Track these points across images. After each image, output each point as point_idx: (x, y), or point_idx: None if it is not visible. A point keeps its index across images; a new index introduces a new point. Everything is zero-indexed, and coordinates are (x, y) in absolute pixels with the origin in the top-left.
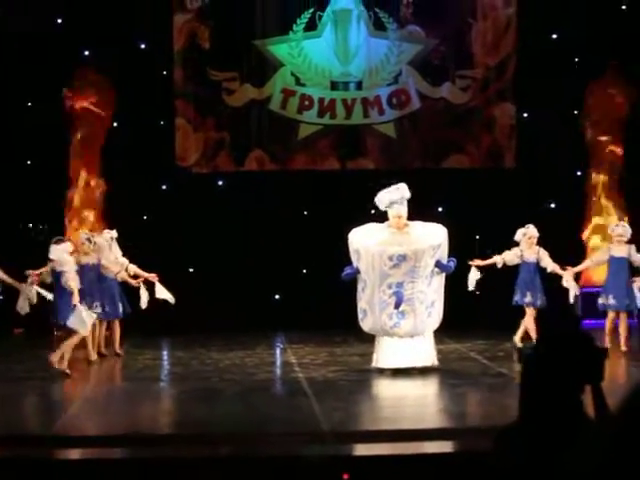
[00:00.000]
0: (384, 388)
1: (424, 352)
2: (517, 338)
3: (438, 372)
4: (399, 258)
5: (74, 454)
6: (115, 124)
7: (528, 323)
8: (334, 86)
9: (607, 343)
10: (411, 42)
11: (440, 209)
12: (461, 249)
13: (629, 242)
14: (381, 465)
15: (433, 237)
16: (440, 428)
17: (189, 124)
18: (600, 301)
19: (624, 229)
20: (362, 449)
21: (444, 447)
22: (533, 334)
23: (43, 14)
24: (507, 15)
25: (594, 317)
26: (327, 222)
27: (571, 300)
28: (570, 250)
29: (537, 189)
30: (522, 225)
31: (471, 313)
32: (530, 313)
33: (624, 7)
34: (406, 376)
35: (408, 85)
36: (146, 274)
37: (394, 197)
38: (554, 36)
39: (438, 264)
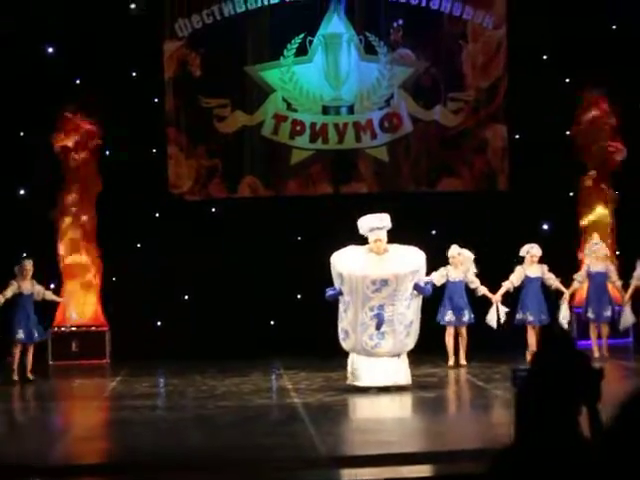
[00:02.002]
0: (381, 412)
1: (401, 372)
2: (453, 360)
3: (434, 395)
4: (381, 283)
5: None
6: (107, 152)
7: (447, 341)
8: (326, 111)
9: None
10: (402, 65)
11: (434, 232)
12: None
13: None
14: None
15: (412, 263)
16: (437, 451)
17: (181, 152)
18: (518, 317)
19: (537, 250)
20: (360, 473)
21: (442, 470)
22: (451, 352)
23: (35, 43)
24: (498, 37)
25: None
26: (321, 247)
27: (493, 324)
28: (566, 270)
29: (531, 210)
30: (517, 246)
31: (468, 335)
32: (450, 332)
33: (614, 27)
34: (403, 400)
35: (400, 108)
36: (58, 299)
37: (374, 223)
38: (544, 57)
39: (416, 287)
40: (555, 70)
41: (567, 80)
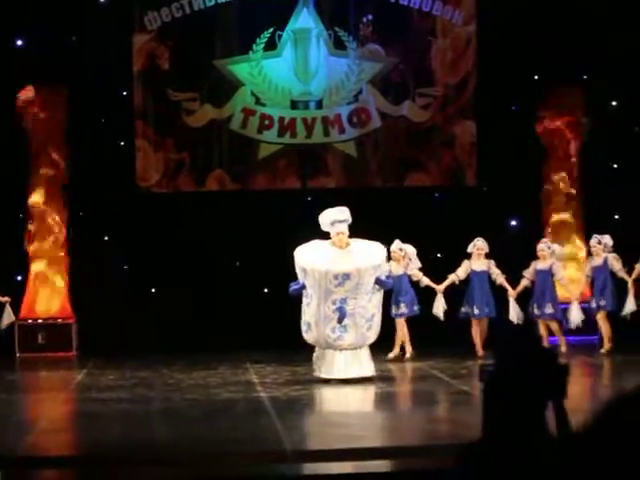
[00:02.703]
0: (347, 406)
1: (363, 364)
2: (395, 352)
3: (402, 390)
4: (343, 277)
5: (36, 476)
6: (74, 145)
7: (400, 334)
8: (294, 105)
9: (480, 349)
10: (371, 60)
11: (401, 227)
12: (423, 268)
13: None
14: None
15: (374, 257)
16: (403, 446)
17: (149, 145)
18: (463, 310)
19: (483, 243)
20: (325, 468)
21: (408, 465)
22: (406, 343)
23: (3, 35)
24: (467, 33)
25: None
26: (288, 241)
27: (439, 315)
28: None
29: (498, 206)
30: (485, 241)
31: (435, 331)
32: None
33: (583, 23)
34: (370, 394)
35: (368, 103)
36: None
37: (337, 216)
38: (513, 54)
39: (378, 281)
40: (524, 67)
41: (536, 77)
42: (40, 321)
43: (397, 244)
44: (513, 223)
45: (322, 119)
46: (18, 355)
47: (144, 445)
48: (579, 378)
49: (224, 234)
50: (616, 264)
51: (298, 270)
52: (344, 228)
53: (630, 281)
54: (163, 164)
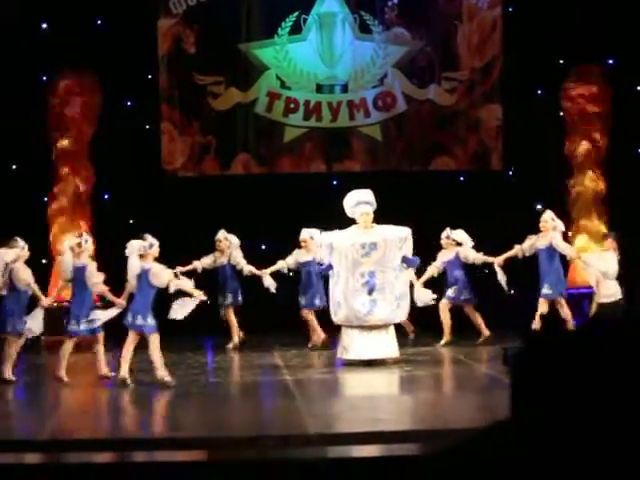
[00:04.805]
0: (372, 390)
1: (389, 345)
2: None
3: (427, 374)
4: (370, 246)
5: (64, 458)
6: (101, 128)
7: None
8: (320, 89)
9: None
10: (396, 44)
11: (427, 211)
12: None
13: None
14: (369, 467)
15: (399, 230)
16: (428, 430)
17: (175, 128)
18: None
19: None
20: (350, 451)
21: (432, 449)
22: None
23: (28, 19)
24: (493, 17)
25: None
26: (313, 224)
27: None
28: None
29: (524, 190)
30: (511, 225)
31: (461, 315)
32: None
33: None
34: (394, 377)
35: (394, 87)
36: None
37: (361, 198)
38: (539, 37)
39: (405, 259)
40: (549, 50)
41: (561, 61)
42: (65, 304)
43: (306, 233)
44: (539, 206)
45: (347, 103)
46: (43, 338)
47: (168, 429)
48: None
49: (249, 217)
50: (470, 253)
51: (324, 249)
52: (369, 209)
53: (496, 261)
54: (189, 148)
